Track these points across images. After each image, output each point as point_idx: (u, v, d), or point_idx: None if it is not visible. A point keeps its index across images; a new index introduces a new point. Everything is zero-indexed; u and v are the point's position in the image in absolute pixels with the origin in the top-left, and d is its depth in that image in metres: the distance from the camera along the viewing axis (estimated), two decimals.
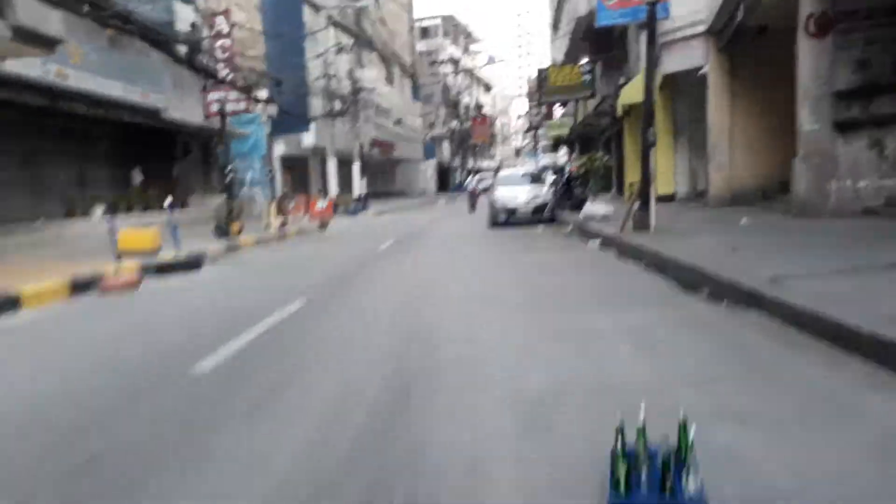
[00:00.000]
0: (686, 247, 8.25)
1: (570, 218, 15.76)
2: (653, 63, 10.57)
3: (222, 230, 16.14)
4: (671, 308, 5.58)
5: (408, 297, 6.92)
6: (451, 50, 67.57)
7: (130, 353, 5.17)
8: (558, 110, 47.40)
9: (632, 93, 18.74)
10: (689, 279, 6.69)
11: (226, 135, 18.70)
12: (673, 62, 15.26)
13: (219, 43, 22.14)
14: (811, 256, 6.69)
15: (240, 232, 16.78)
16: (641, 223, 10.46)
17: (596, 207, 14.08)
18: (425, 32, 66.22)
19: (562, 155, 61.74)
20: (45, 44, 8.89)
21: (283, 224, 20.47)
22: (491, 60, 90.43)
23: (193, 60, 20.28)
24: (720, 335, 4.62)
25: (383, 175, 55.16)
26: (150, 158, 22.36)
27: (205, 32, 22.50)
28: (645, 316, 5.31)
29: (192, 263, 11.30)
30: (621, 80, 21.52)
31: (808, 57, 9.97)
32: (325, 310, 6.54)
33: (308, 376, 4.23)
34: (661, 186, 18.15)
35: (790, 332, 4.49)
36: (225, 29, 22.21)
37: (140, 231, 12.80)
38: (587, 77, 23.50)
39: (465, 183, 23.33)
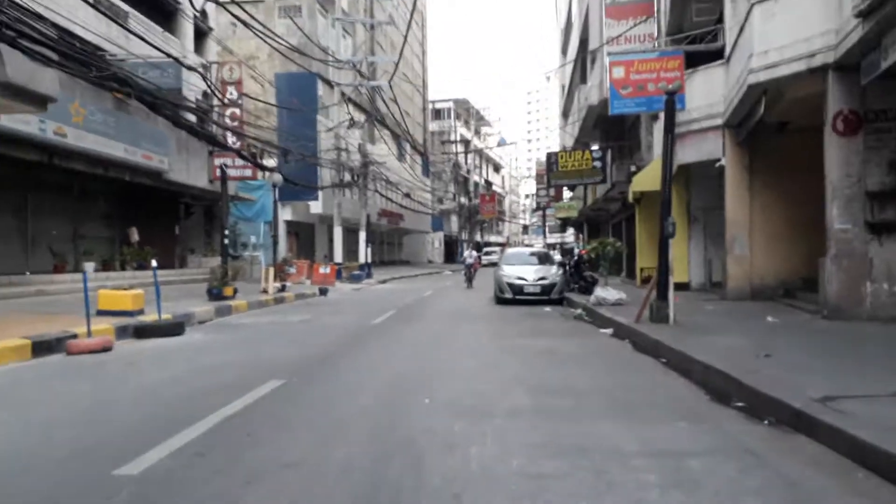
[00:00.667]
0: (711, 347, 7.50)
1: (578, 301, 15.06)
2: (671, 153, 10.12)
3: (216, 292, 15.49)
4: (703, 424, 4.79)
5: (394, 391, 6.13)
6: (462, 131, 68.80)
7: (57, 438, 4.42)
8: (567, 192, 47.53)
9: (644, 180, 18.42)
10: (719, 387, 5.92)
11: (226, 198, 18.26)
12: (688, 153, 14.93)
13: (229, 111, 22.19)
14: (858, 371, 5.94)
15: (234, 295, 16.13)
16: (659, 315, 9.74)
17: (608, 292, 13.39)
18: (438, 114, 67.68)
19: (568, 235, 61.76)
20: (36, 101, 8.57)
21: (282, 289, 19.82)
22: (501, 142, 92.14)
23: (200, 127, 20.25)
24: (767, 469, 3.82)
25: (390, 244, 55.05)
26: (150, 217, 22.02)
27: (217, 100, 22.62)
28: (674, 434, 4.53)
29: (173, 328, 10.68)
30: (632, 168, 21.30)
31: (837, 155, 9.51)
32: (297, 399, 5.77)
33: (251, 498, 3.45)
34: (675, 275, 17.51)
35: (853, 471, 3.71)
36: (236, 98, 22.31)
37: (122, 291, 12.16)
38: (598, 163, 23.35)
39: (463, 256, 23.67)
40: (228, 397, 5.64)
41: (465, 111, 72.97)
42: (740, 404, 5.35)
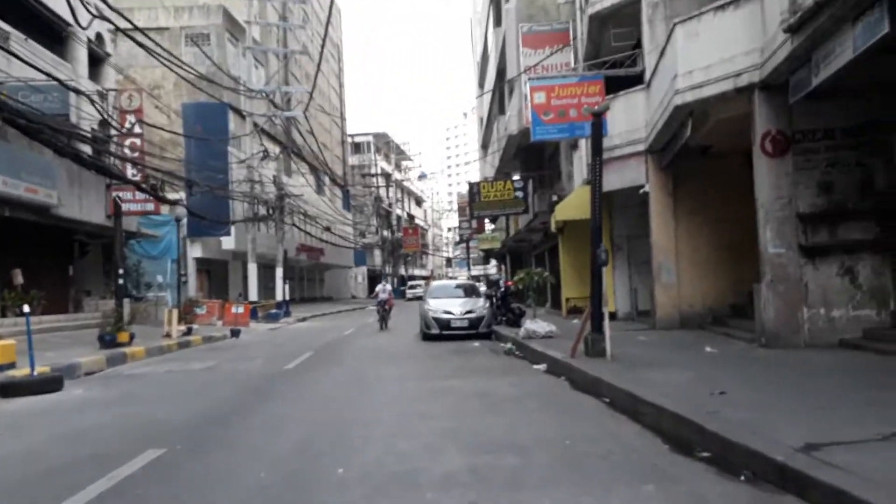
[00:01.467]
0: (657, 383, 6.84)
1: (507, 334, 14.35)
2: (599, 177, 9.64)
3: (109, 339, 13.81)
4: (673, 485, 4.02)
5: (301, 459, 5.08)
6: (383, 164, 68.18)
7: None
8: (489, 224, 47.49)
9: (567, 209, 18.14)
10: (677, 433, 5.21)
11: (120, 234, 16.62)
12: (611, 180, 14.60)
13: (128, 142, 20.47)
14: (828, 409, 5.37)
15: (130, 341, 14.46)
16: (595, 348, 9.09)
17: (538, 325, 12.73)
18: (358, 147, 66.85)
19: (491, 267, 61.78)
20: None
21: (188, 332, 18.16)
22: (422, 176, 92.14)
23: (95, 158, 18.53)
24: None
25: (311, 280, 53.14)
26: (38, 257, 19.85)
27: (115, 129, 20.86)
28: (642, 502, 3.74)
29: (48, 383, 9.22)
30: (554, 198, 21.08)
31: (767, 177, 9.27)
32: (175, 476, 4.64)
33: None
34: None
35: None
36: (136, 128, 20.63)
37: None
38: (519, 193, 23.06)
39: (375, 290, 21.20)
40: (88, 476, 4.47)
41: (385, 145, 72.46)
42: (706, 454, 4.64)
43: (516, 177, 24.03)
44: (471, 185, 25.28)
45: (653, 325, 13.55)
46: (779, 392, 6.14)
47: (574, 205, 17.85)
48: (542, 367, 9.76)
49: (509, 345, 12.88)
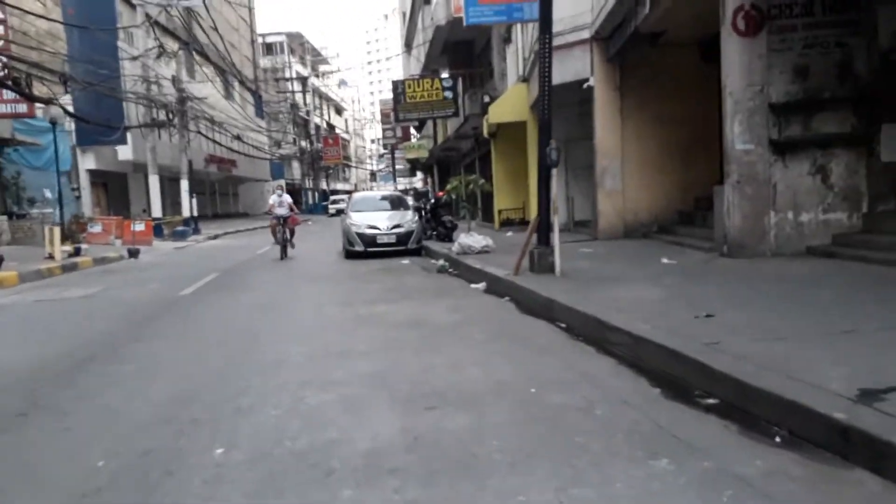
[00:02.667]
0: (623, 304, 5.74)
1: (439, 250, 13.10)
2: (549, 61, 8.19)
3: None
4: (690, 457, 2.87)
5: (169, 428, 3.66)
6: (299, 68, 63.66)
7: None
8: (414, 134, 45.32)
9: (501, 111, 16.70)
10: (666, 372, 4.11)
11: None
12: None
13: None
14: (849, 332, 4.38)
15: None
16: (542, 264, 7.94)
17: (472, 239, 11.51)
18: (269, 49, 61.87)
19: (417, 180, 59.87)
20: None
21: (74, 252, 15.96)
22: (343, 83, 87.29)
23: None
24: None
25: (224, 195, 49.92)
26: None
27: None
28: (661, 488, 2.57)
29: None
30: (486, 99, 19.50)
31: (739, 61, 8.07)
32: None
33: None
34: (535, 214, 16.12)
35: None
36: None
37: None
38: (448, 93, 21.25)
39: (270, 203, 15.18)
40: None
41: (301, 46, 67.52)
42: (712, 401, 3.55)
43: (444, 74, 22.13)
44: (395, 83, 23.12)
45: (593, 235, 12.60)
46: (775, 311, 5.13)
47: (508, 105, 16.43)
48: (481, 286, 8.57)
49: (442, 261, 11.64)
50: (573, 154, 15.71)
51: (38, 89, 17.55)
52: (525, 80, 16.06)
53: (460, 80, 21.47)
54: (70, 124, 26.43)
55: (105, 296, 9.69)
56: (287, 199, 14.86)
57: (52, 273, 13.36)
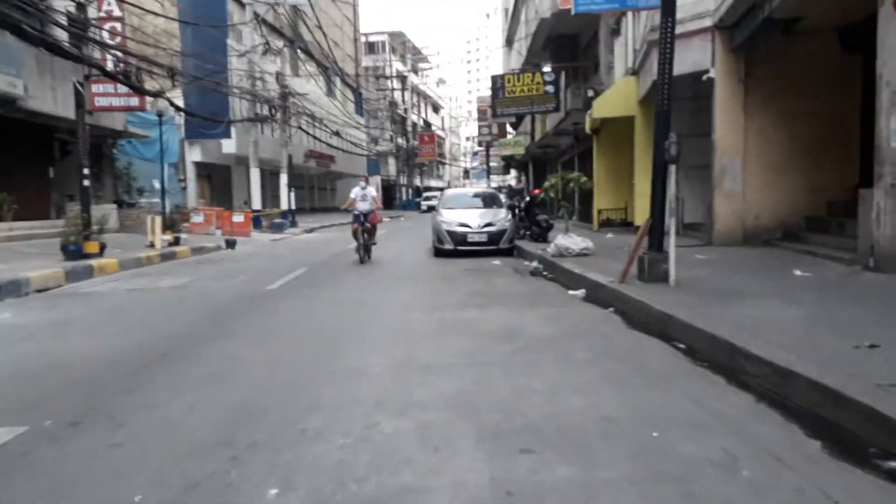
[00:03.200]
0: (759, 326, 4.83)
1: (532, 251, 12.36)
2: (670, 46, 7.30)
3: (73, 249, 12.05)
4: None
5: (223, 454, 3.19)
6: (398, 66, 64.27)
7: None
8: (510, 132, 44.49)
9: (607, 105, 15.69)
10: (824, 418, 3.24)
11: (83, 128, 14.57)
12: None
13: (108, 26, 17.95)
14: None
15: (101, 251, 12.69)
16: (653, 272, 7.06)
17: (571, 240, 10.69)
18: (372, 48, 62.80)
19: (511, 178, 59.02)
20: None
21: (174, 242, 16.39)
22: (441, 82, 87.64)
23: (73, 44, 16.24)
24: None
25: (322, 189, 51.13)
26: (11, 157, 17.96)
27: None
28: None
29: None
30: (590, 93, 18.48)
31: None
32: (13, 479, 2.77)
33: None
34: (640, 216, 15.03)
35: None
36: (115, 10, 18.04)
37: None
38: (550, 87, 20.33)
39: (351, 198, 12.81)
40: None
41: (402, 45, 68.23)
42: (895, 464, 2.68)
43: (547, 68, 21.24)
44: (494, 78, 22.40)
45: (707, 240, 11.43)
46: None
47: (615, 100, 15.41)
48: (580, 293, 7.78)
49: (536, 263, 10.90)
50: (685, 152, 14.39)
51: (150, 84, 18.19)
52: (634, 73, 14.99)
53: (563, 75, 20.52)
54: (179, 118, 27.68)
55: (194, 287, 9.63)
56: (371, 192, 12.75)
57: (150, 261, 13.67)
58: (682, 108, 14.16)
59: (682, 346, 4.97)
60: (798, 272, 7.36)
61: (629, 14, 15.42)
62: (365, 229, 12.21)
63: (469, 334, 5.63)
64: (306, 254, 15.43)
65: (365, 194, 12.54)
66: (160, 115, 16.56)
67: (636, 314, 6.13)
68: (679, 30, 11.76)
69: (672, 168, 6.97)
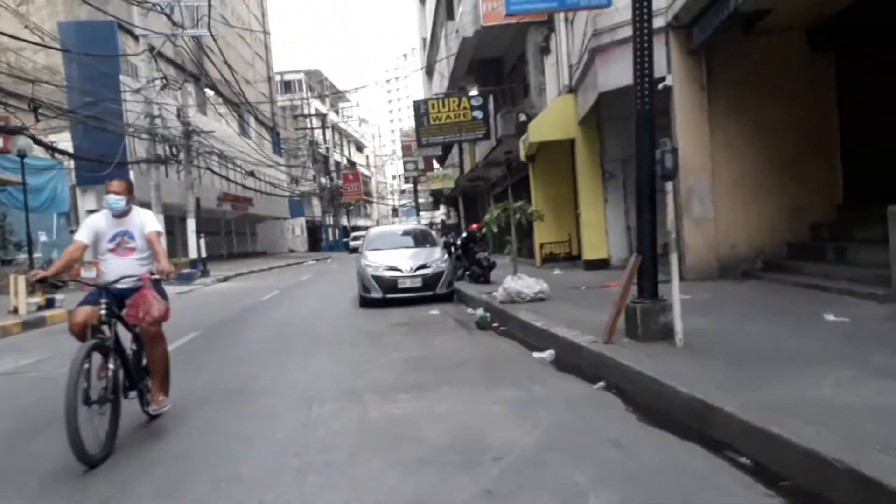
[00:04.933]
0: (857, 418, 3.01)
1: (475, 294, 10.46)
2: (648, 25, 5.64)
3: None
4: None
5: None
6: (318, 105, 62.27)
7: None
8: (436, 166, 43.01)
9: (544, 127, 14.17)
10: None
11: None
12: (611, 74, 10.62)
13: None
14: None
15: None
16: (649, 326, 5.24)
17: (522, 282, 8.85)
18: (288, 86, 60.62)
19: (440, 214, 57.42)
20: None
21: (46, 305, 13.54)
22: (363, 122, 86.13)
23: None
24: None
25: (241, 234, 47.92)
26: None
27: None
28: None
29: None
30: (521, 117, 17.00)
31: None
32: None
33: None
34: (589, 249, 13.44)
35: None
36: None
37: None
38: (478, 113, 18.80)
39: (83, 239, 4.52)
40: None
41: (319, 84, 66.34)
42: None
43: (473, 92, 19.71)
44: (417, 104, 20.62)
45: (681, 274, 9.79)
46: None
47: (552, 122, 13.90)
48: (548, 355, 5.88)
49: (481, 311, 9.00)
50: (632, 176, 13.02)
51: (15, 121, 15.44)
52: (572, 90, 13.53)
53: (491, 99, 19.03)
54: (69, 163, 24.63)
55: (36, 371, 7.14)
56: (144, 222, 4.58)
57: (8, 332, 10.99)
58: (624, 128, 12.74)
59: (745, 461, 3.09)
60: (831, 317, 5.67)
61: (561, 29, 14.07)
62: (134, 336, 4.53)
63: (404, 453, 3.56)
64: (208, 311, 12.98)
65: (124, 233, 4.53)
66: (21, 155, 13.81)
67: (643, 394, 4.25)
68: (623, 34, 10.36)
69: (669, 186, 5.19)
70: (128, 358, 4.35)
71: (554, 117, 13.95)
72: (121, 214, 4.52)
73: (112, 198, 4.51)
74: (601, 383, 4.75)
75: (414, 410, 4.40)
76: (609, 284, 10.01)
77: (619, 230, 13.28)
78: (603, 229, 13.35)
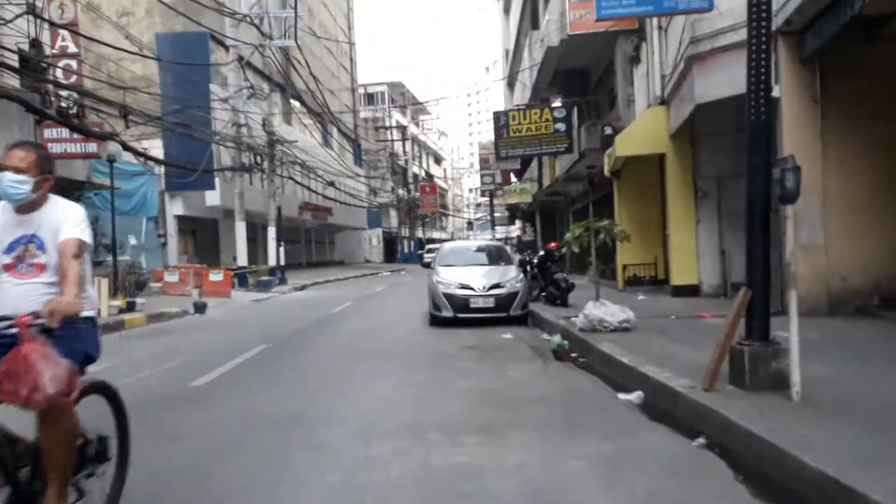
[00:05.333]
0: None
1: (550, 318, 9.84)
2: (766, 23, 4.94)
3: None
4: None
5: None
6: (398, 117, 62.97)
7: None
8: (514, 180, 42.37)
9: (632, 141, 13.39)
10: None
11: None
12: (710, 85, 9.80)
13: (62, 63, 15.90)
14: None
15: None
16: (758, 374, 4.52)
17: (605, 309, 8.15)
18: (371, 99, 61.63)
19: (516, 228, 56.64)
20: None
21: (127, 308, 13.88)
22: (442, 135, 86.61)
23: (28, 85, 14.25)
24: None
25: (320, 243, 48.83)
26: None
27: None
28: None
29: None
30: (607, 130, 16.21)
31: None
32: None
33: None
34: (678, 274, 12.53)
35: None
36: (70, 47, 15.98)
37: None
38: (560, 125, 18.11)
39: None
40: None
41: (401, 96, 67.11)
42: None
43: (557, 103, 19.03)
44: (497, 115, 20.08)
45: (779, 309, 8.80)
46: None
47: (641, 135, 13.13)
48: (635, 397, 5.22)
49: (558, 338, 8.35)
50: (729, 196, 12.11)
51: (108, 127, 16.01)
52: (664, 102, 12.71)
53: (575, 111, 18.32)
54: (159, 169, 25.60)
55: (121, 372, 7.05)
56: (59, 225, 2.73)
57: None
58: (721, 144, 11.90)
59: None
60: None
61: (653, 37, 13.28)
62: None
63: None
64: (281, 321, 12.94)
65: (29, 238, 2.77)
66: (111, 160, 14.26)
67: (756, 460, 3.55)
68: (725, 40, 9.52)
69: (789, 210, 4.47)
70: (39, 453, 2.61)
71: (643, 130, 13.17)
72: (25, 207, 2.74)
73: (8, 179, 2.66)
74: (701, 440, 4.07)
75: (482, 460, 3.86)
76: (702, 315, 9.17)
77: (712, 254, 12.30)
78: (694, 253, 12.42)
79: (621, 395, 5.37)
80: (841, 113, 8.55)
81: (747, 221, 4.83)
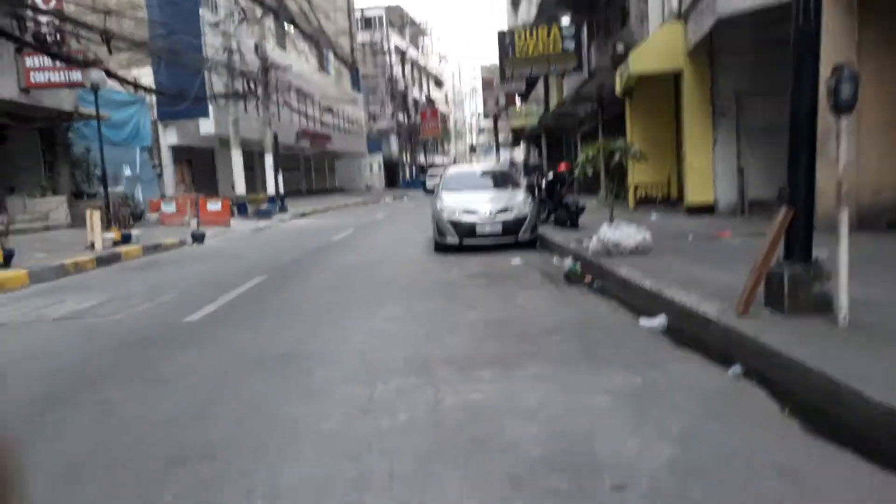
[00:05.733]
0: None
1: (562, 241, 9.42)
2: None
3: None
4: None
5: None
6: (397, 41, 60.64)
7: None
8: (519, 103, 41.07)
9: (647, 58, 12.60)
10: None
11: None
12: None
13: None
14: None
15: (6, 262, 9.84)
16: (799, 298, 4.11)
17: (620, 232, 7.70)
18: (368, 23, 59.10)
19: (519, 152, 55.32)
20: None
21: (122, 240, 13.48)
22: (442, 59, 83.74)
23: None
24: None
25: (319, 170, 48.02)
26: None
27: None
28: None
29: None
30: (619, 48, 15.29)
31: None
32: None
33: None
34: (693, 192, 12.05)
35: None
36: None
37: None
38: (569, 43, 17.10)
39: None
40: None
41: (399, 18, 64.47)
42: None
43: (565, 21, 17.95)
44: (501, 34, 19.01)
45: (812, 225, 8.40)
46: None
47: (656, 52, 12.34)
48: (658, 323, 4.84)
49: (569, 262, 7.96)
50: (747, 113, 11.50)
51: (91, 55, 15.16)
52: (681, 16, 11.86)
53: (585, 29, 17.27)
54: (151, 98, 24.71)
55: (93, 316, 6.73)
56: None
57: (81, 268, 10.83)
58: (745, 59, 11.19)
59: None
60: None
61: None
62: None
63: (488, 468, 2.69)
64: (280, 250, 12.58)
65: None
66: (95, 88, 13.51)
67: (803, 392, 3.18)
68: None
69: (844, 122, 3.97)
70: None
71: (658, 47, 12.35)
72: None
73: None
74: (736, 368, 3.70)
75: (497, 398, 3.51)
76: (721, 234, 8.74)
77: (729, 174, 11.75)
78: (710, 172, 11.87)
79: (643, 321, 4.99)
80: (880, 24, 7.88)
81: (791, 137, 4.34)
